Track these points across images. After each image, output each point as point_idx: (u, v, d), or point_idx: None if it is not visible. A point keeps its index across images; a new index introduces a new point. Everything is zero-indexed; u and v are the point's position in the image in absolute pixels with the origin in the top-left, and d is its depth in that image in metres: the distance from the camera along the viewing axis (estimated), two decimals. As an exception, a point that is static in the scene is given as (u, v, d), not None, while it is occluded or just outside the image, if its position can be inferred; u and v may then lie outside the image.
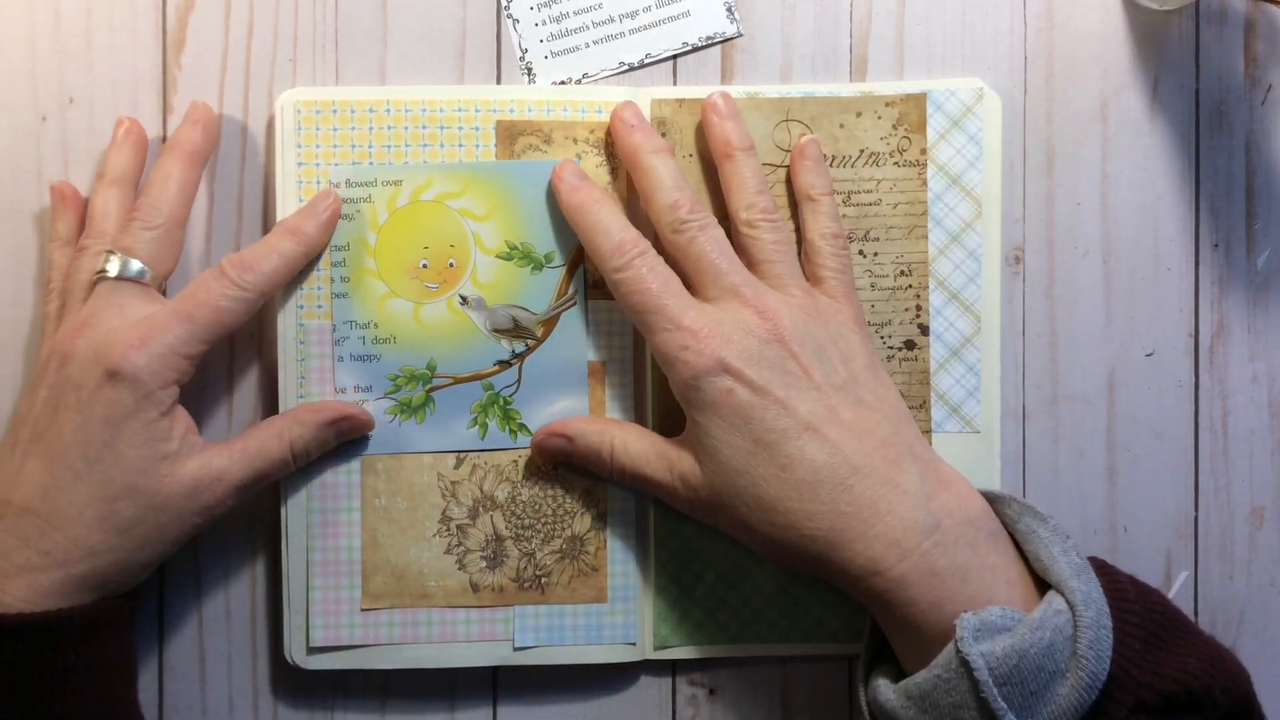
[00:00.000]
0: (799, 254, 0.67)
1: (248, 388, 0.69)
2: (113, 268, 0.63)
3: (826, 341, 0.63)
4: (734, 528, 0.63)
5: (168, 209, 0.64)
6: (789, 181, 0.68)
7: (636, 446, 0.65)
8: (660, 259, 0.64)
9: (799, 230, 0.67)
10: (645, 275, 0.63)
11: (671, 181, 0.65)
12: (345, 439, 0.66)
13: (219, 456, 0.63)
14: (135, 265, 0.63)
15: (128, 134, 0.67)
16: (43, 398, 0.62)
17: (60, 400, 0.61)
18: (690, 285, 0.64)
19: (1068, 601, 0.57)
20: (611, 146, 0.68)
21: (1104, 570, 0.61)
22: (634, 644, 0.68)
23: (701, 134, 0.68)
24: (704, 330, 0.61)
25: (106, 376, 0.60)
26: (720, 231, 0.65)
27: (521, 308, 0.67)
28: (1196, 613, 0.71)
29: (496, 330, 0.67)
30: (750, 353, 0.61)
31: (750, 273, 0.64)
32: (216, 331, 0.63)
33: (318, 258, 0.67)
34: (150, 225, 0.64)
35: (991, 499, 0.62)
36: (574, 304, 0.67)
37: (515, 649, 0.67)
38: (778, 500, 0.60)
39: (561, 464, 0.67)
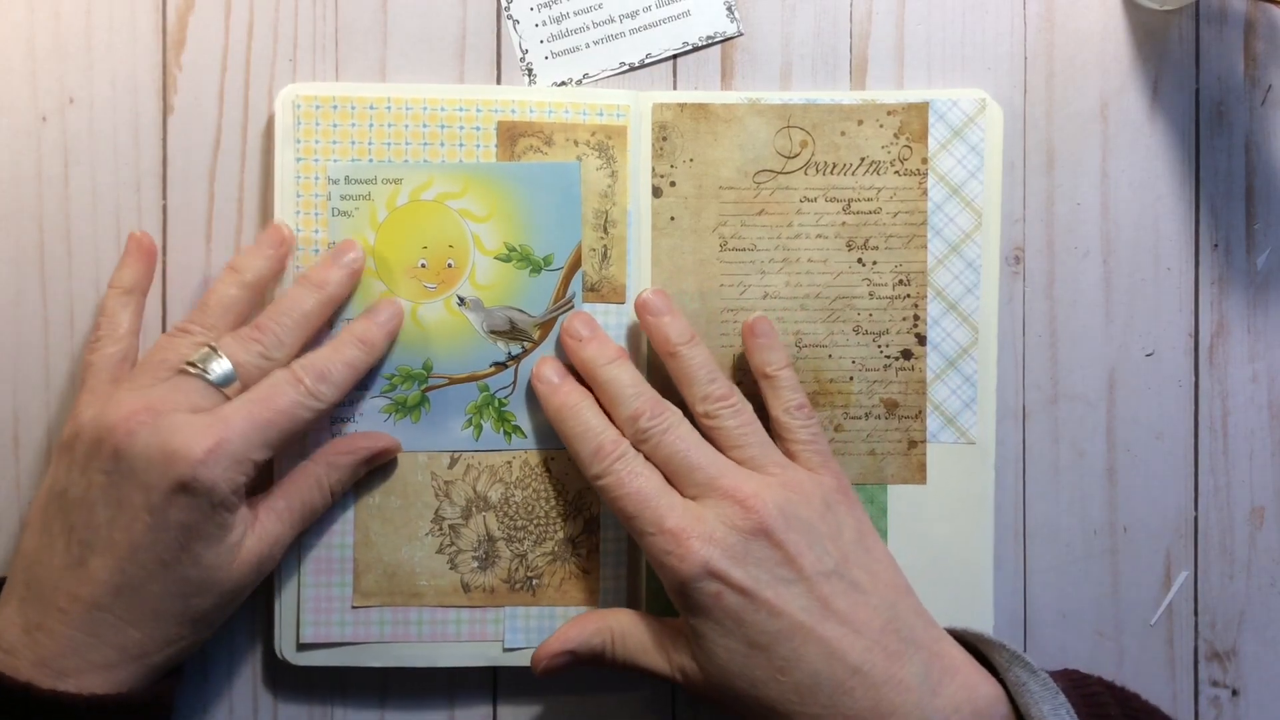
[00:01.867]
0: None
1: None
2: (213, 372, 0.61)
3: (814, 518, 0.62)
4: (736, 717, 0.62)
5: (290, 349, 0.64)
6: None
7: (634, 638, 0.63)
8: (640, 459, 0.63)
9: (762, 398, 0.66)
10: (625, 479, 0.62)
11: (631, 390, 0.64)
12: (375, 466, 0.67)
13: (270, 522, 0.63)
14: (230, 376, 0.62)
15: (280, 244, 0.66)
16: (97, 484, 0.59)
17: (123, 497, 0.59)
18: (673, 485, 0.63)
19: None
20: (613, 149, 0.68)
21: (1091, 703, 0.60)
22: (626, 647, 0.68)
23: (701, 136, 0.68)
24: (685, 532, 0.60)
25: (178, 487, 0.58)
26: (686, 426, 0.64)
27: (519, 310, 0.67)
28: (1196, 613, 0.71)
29: (493, 332, 0.67)
30: (735, 551, 0.60)
31: (726, 459, 0.63)
32: (286, 439, 0.62)
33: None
34: (269, 356, 0.63)
35: (981, 643, 0.62)
36: (572, 307, 0.67)
37: (505, 650, 0.68)
38: (778, 702, 0.59)
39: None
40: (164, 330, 0.68)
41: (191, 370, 0.61)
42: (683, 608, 0.61)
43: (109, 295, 0.65)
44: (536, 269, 0.67)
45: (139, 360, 0.64)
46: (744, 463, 0.63)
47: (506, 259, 0.67)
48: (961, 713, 0.58)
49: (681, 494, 0.62)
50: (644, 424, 0.63)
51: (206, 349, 0.62)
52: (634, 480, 0.62)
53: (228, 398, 0.61)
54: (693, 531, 0.60)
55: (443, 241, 0.67)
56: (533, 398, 0.67)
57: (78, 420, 0.61)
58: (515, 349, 0.67)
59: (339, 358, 0.64)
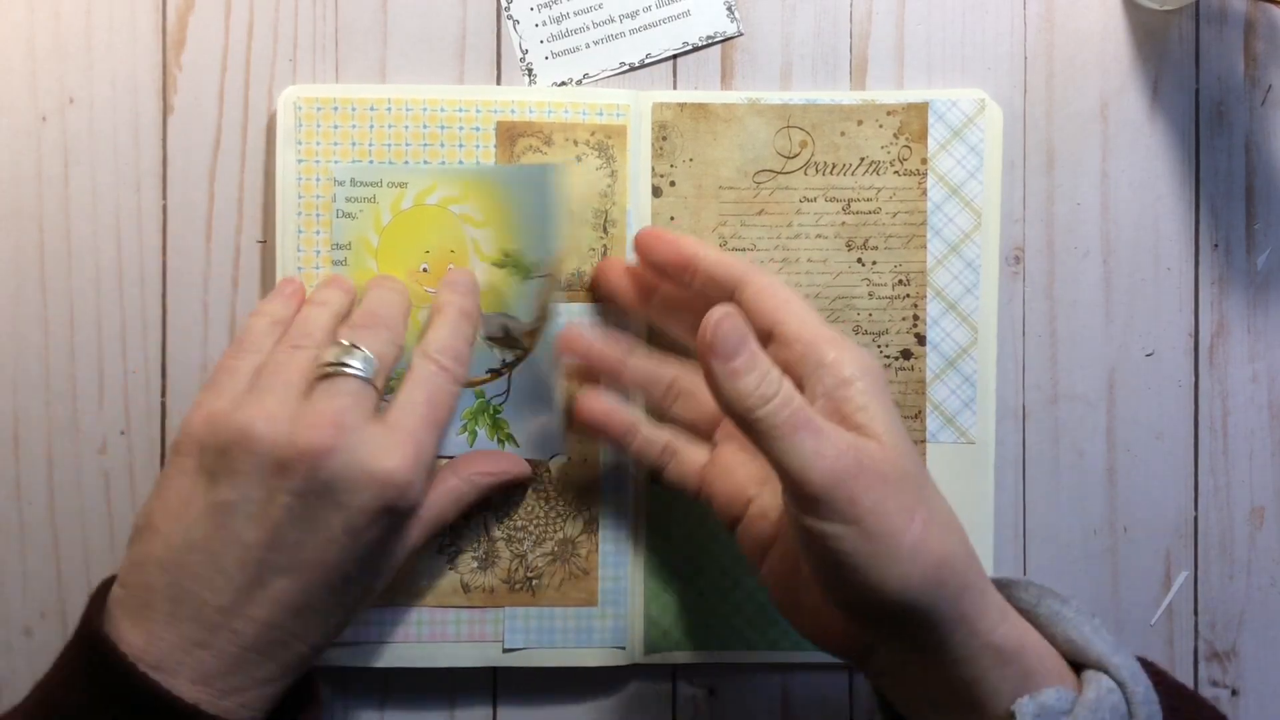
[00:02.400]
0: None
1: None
2: (359, 366, 0.59)
3: None
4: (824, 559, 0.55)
5: (402, 339, 0.63)
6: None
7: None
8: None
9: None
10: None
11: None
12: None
13: (415, 533, 0.61)
14: (376, 369, 0.60)
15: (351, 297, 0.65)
16: (281, 504, 0.56)
17: (317, 518, 0.56)
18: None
19: (1114, 679, 0.55)
20: (613, 149, 0.68)
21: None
22: (623, 648, 0.68)
23: (701, 136, 0.68)
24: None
25: (386, 509, 0.57)
26: None
27: (512, 316, 0.67)
28: (1196, 613, 0.71)
29: (490, 338, 0.67)
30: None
31: None
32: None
33: None
34: (396, 343, 0.62)
35: (1005, 585, 0.59)
36: (551, 315, 0.67)
37: (504, 650, 0.67)
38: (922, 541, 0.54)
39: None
40: (164, 330, 0.68)
41: (331, 370, 0.59)
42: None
43: (258, 320, 0.62)
44: (526, 275, 0.67)
45: (261, 373, 0.59)
46: None
47: (502, 265, 0.67)
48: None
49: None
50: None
51: (338, 345, 0.59)
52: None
53: (378, 390, 0.60)
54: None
55: (445, 246, 0.67)
56: (527, 405, 0.67)
57: (239, 427, 0.57)
58: (509, 356, 0.67)
59: (460, 336, 0.63)
